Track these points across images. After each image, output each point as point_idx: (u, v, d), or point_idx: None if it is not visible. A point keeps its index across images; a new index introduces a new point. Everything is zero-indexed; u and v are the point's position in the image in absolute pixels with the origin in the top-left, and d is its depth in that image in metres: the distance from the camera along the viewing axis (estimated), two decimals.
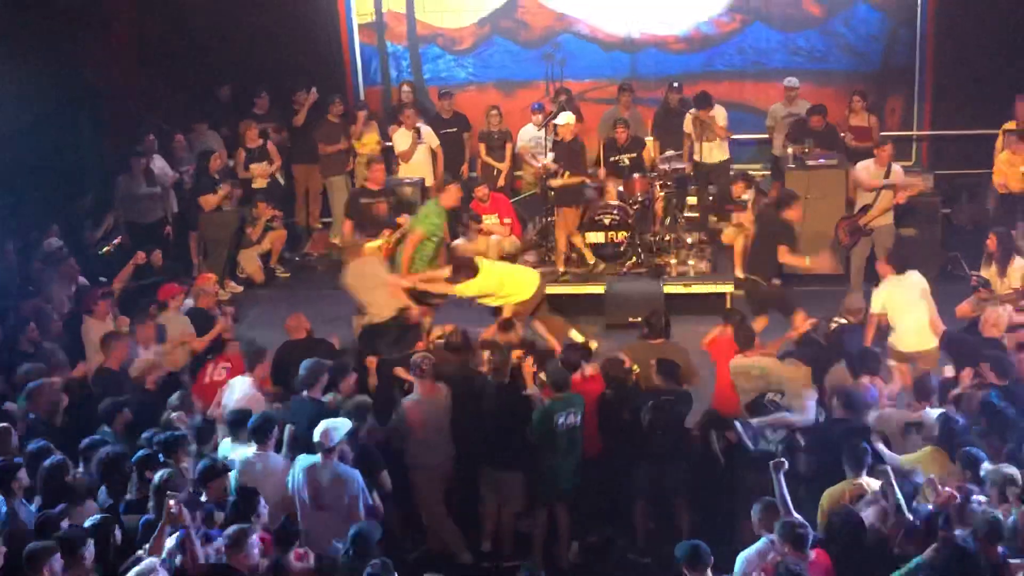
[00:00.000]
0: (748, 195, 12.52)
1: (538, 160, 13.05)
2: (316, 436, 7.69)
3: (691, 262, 12.62)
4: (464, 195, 12.02)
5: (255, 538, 6.78)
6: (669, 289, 12.15)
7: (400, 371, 9.32)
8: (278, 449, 8.16)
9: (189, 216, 13.56)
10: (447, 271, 10.69)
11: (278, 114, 14.55)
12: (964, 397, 8.42)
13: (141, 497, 7.50)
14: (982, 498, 7.05)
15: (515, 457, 8.72)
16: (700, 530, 8.32)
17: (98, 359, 9.75)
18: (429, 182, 13.81)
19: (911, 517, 6.92)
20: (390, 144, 14.22)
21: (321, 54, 15.20)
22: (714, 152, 13.60)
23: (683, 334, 10.16)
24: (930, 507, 6.96)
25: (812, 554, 6.76)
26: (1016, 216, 11.86)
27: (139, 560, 6.69)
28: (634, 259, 12.59)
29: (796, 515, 7.08)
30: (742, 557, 6.95)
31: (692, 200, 13.88)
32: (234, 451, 8.10)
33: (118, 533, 7.05)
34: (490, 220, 12.76)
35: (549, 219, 12.76)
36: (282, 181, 14.40)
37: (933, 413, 8.28)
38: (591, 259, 12.55)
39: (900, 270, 10.06)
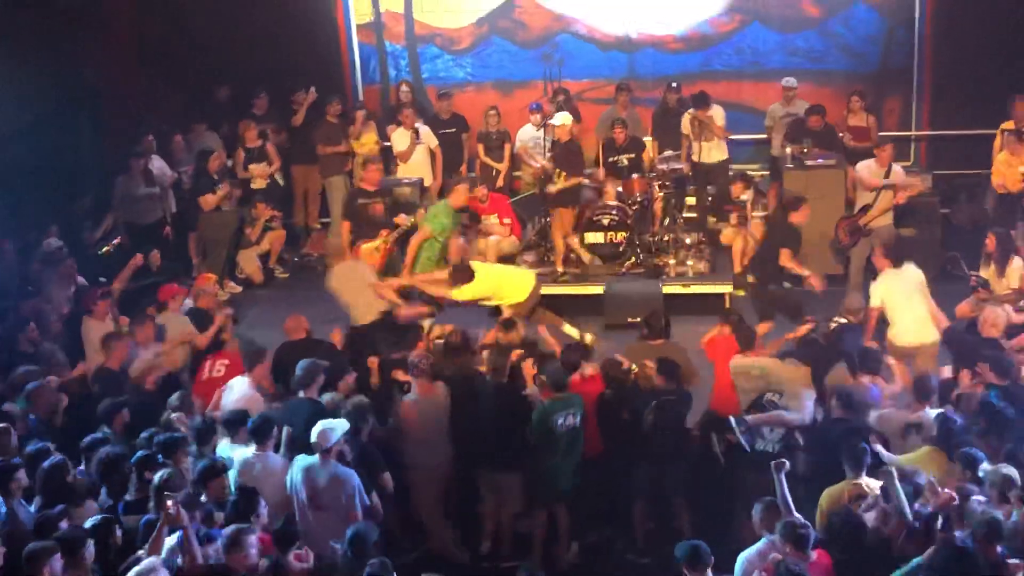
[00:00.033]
0: (747, 195, 12.56)
1: (537, 160, 13.06)
2: (313, 437, 7.69)
3: (690, 262, 12.62)
4: None
5: (253, 538, 6.77)
6: (668, 289, 12.15)
7: (398, 373, 9.32)
8: (276, 449, 8.16)
9: (188, 216, 13.56)
10: (445, 274, 10.69)
11: (277, 114, 14.55)
12: (964, 397, 8.43)
13: (140, 498, 7.50)
14: (981, 498, 7.06)
15: (514, 458, 8.73)
16: (700, 530, 8.33)
17: (98, 359, 9.76)
18: (428, 182, 13.83)
19: (912, 518, 6.92)
20: (388, 144, 14.22)
21: (319, 54, 15.21)
22: (712, 152, 13.60)
23: (682, 334, 10.16)
24: (929, 508, 6.96)
25: (813, 554, 6.77)
26: (1015, 216, 11.85)
27: (138, 560, 6.69)
28: (633, 259, 12.60)
29: (797, 515, 7.09)
30: (742, 557, 6.96)
31: (691, 200, 13.88)
32: (232, 451, 8.10)
33: (118, 533, 7.05)
34: (489, 220, 12.77)
35: (547, 220, 12.76)
36: (281, 181, 14.40)
37: (932, 413, 8.29)
38: (587, 257, 12.54)
39: (897, 263, 10.08)
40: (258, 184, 13.90)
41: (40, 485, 7.59)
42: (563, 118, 12.21)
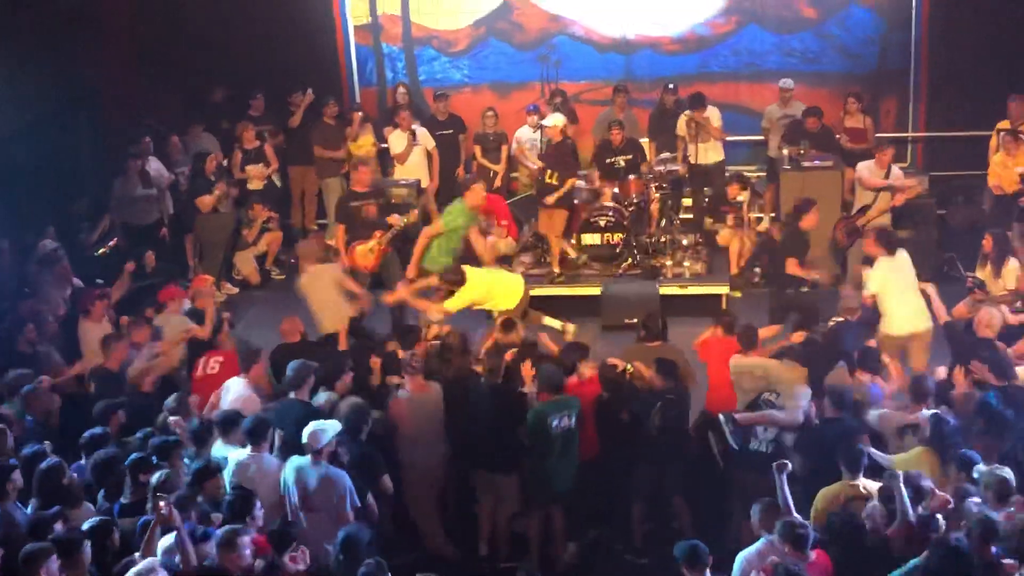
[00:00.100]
0: (743, 197, 12.59)
1: (533, 162, 13.07)
2: (304, 438, 7.68)
3: (687, 263, 12.64)
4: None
5: (247, 539, 6.76)
6: (665, 291, 12.18)
7: (393, 378, 9.28)
8: (272, 450, 8.16)
9: (185, 218, 13.56)
10: (435, 279, 10.68)
11: (273, 116, 14.55)
12: (961, 398, 8.44)
13: (136, 500, 7.49)
14: (977, 500, 7.06)
15: (510, 459, 8.72)
16: (698, 530, 8.34)
17: (95, 360, 9.77)
18: (425, 184, 13.85)
19: (914, 520, 6.92)
20: (385, 146, 14.23)
21: (317, 56, 15.22)
22: (709, 153, 13.62)
23: (679, 335, 10.16)
24: (922, 509, 6.97)
25: (812, 555, 6.77)
26: (1011, 217, 11.86)
27: (132, 563, 6.68)
28: (629, 261, 12.61)
29: (797, 516, 7.10)
30: (741, 557, 6.96)
31: (687, 202, 13.89)
32: (227, 452, 8.08)
33: (116, 535, 7.04)
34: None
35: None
36: (278, 183, 14.40)
37: (927, 414, 8.29)
38: (573, 254, 12.54)
39: (892, 250, 10.10)
40: (255, 185, 13.91)
41: (36, 487, 7.58)
42: (555, 119, 12.21)
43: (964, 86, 14.15)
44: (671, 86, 14.10)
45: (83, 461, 8.02)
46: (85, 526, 6.96)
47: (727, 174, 13.48)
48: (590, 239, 12.56)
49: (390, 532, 8.47)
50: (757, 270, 12.80)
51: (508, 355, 9.09)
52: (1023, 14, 13.75)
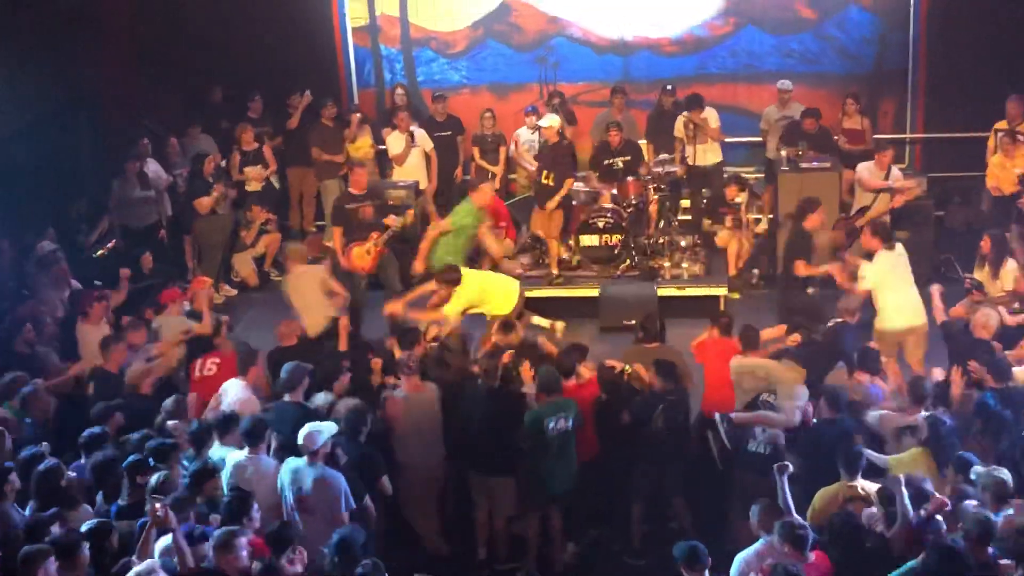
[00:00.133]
0: (741, 198, 12.60)
1: (532, 163, 13.08)
2: (300, 439, 7.68)
3: (685, 265, 12.64)
4: (458, 198, 12.04)
5: (244, 540, 6.76)
6: (663, 292, 12.19)
7: (389, 378, 9.28)
8: (268, 452, 8.16)
9: (183, 220, 13.55)
10: (429, 286, 10.69)
11: (272, 117, 14.56)
12: (959, 398, 8.45)
13: (133, 502, 7.50)
14: (975, 501, 7.07)
15: (506, 461, 8.72)
16: (697, 531, 8.35)
17: (94, 362, 9.76)
18: (423, 185, 13.84)
19: (914, 522, 6.93)
20: (384, 147, 14.23)
21: (315, 57, 15.22)
22: (707, 155, 13.64)
23: (677, 337, 10.16)
24: (923, 512, 6.98)
25: (811, 555, 6.78)
26: (1010, 218, 11.88)
27: (129, 565, 6.68)
28: (628, 262, 12.61)
29: (797, 516, 7.11)
30: (740, 558, 6.97)
31: (685, 203, 13.88)
32: (225, 454, 8.09)
33: (115, 537, 7.05)
34: None
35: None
36: (276, 184, 14.40)
37: (924, 415, 8.30)
38: (565, 255, 12.54)
39: (890, 244, 10.10)
40: (253, 187, 13.90)
41: (34, 489, 7.58)
42: (550, 120, 12.22)
43: (962, 87, 14.16)
44: (669, 87, 14.11)
45: (83, 460, 8.02)
46: (84, 528, 6.96)
47: (725, 175, 13.49)
48: (588, 240, 12.55)
49: (389, 533, 8.47)
50: (755, 271, 12.81)
51: (506, 356, 9.09)
52: (1021, 15, 13.78)
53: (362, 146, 14.19)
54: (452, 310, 10.21)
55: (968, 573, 6.40)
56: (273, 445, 8.20)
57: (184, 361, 10.18)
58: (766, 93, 14.45)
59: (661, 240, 12.81)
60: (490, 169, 14.26)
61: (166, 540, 6.80)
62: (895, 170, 12.43)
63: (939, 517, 6.91)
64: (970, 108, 13.92)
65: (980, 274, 10.46)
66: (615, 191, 12.89)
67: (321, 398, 8.80)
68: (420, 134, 13.97)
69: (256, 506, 7.24)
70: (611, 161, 13.39)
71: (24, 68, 12.08)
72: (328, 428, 7.78)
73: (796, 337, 9.59)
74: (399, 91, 14.62)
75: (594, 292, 12.32)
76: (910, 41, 14.70)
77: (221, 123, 14.48)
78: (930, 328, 9.94)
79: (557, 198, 12.01)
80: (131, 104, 14.34)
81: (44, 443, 8.14)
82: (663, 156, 13.45)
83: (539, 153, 12.76)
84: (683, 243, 12.90)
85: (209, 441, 8.22)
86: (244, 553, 6.72)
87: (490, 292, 10.48)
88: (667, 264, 12.59)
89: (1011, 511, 6.89)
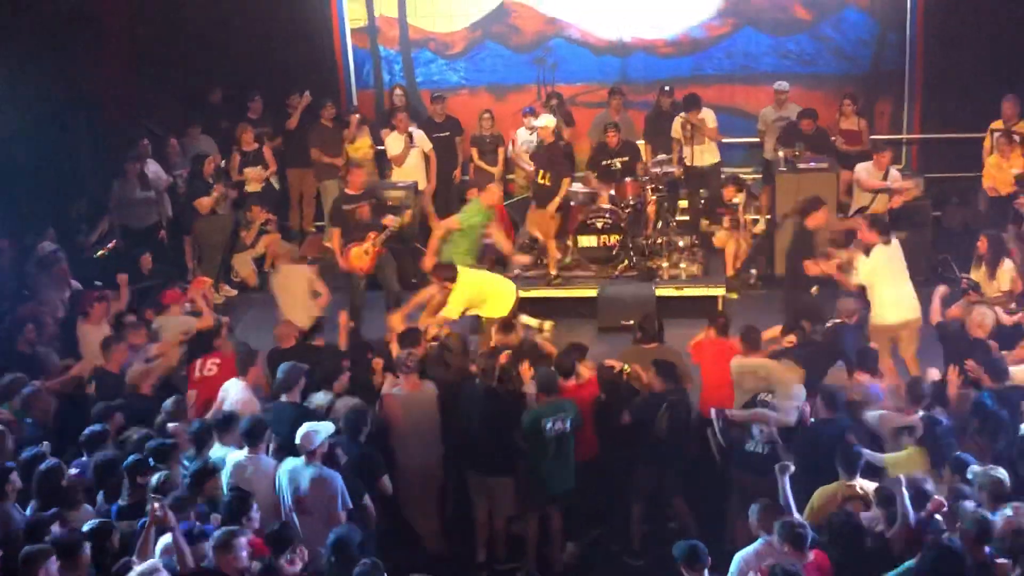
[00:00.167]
0: (739, 198, 12.62)
1: (530, 164, 13.10)
2: (297, 439, 7.70)
3: (683, 265, 12.64)
4: (457, 198, 12.07)
5: (244, 540, 6.78)
6: (661, 292, 12.19)
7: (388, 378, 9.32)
8: (267, 452, 8.19)
9: (183, 220, 13.56)
10: (423, 295, 10.72)
11: (271, 118, 14.58)
12: (956, 398, 8.48)
13: (134, 502, 7.51)
14: (972, 501, 7.10)
15: (504, 461, 8.75)
16: (697, 531, 8.38)
17: (95, 363, 9.78)
18: (422, 186, 13.86)
19: (914, 523, 6.96)
20: (383, 148, 14.25)
21: (314, 58, 15.23)
22: (704, 155, 13.67)
23: (675, 337, 10.19)
24: (922, 513, 7.02)
25: (811, 555, 6.81)
26: (1006, 218, 11.92)
27: (129, 565, 6.70)
28: (626, 263, 12.62)
29: (797, 516, 7.14)
30: (739, 557, 6.99)
31: (683, 204, 13.89)
32: (224, 454, 8.11)
33: (115, 537, 7.07)
34: None
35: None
36: (276, 185, 14.42)
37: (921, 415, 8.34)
38: (559, 255, 12.58)
39: (887, 237, 10.12)
40: (253, 187, 13.91)
41: (36, 489, 7.60)
42: (546, 120, 12.25)
43: (959, 88, 14.19)
44: (667, 88, 14.13)
45: (84, 458, 8.05)
46: (85, 528, 6.98)
47: (723, 176, 13.51)
48: (586, 241, 12.56)
49: (388, 533, 8.50)
50: (753, 272, 12.84)
51: (503, 356, 9.11)
52: (1017, 15, 13.81)
53: (361, 147, 14.21)
54: (452, 310, 10.24)
55: (965, 572, 6.43)
56: (272, 445, 8.23)
57: (185, 361, 10.20)
58: (763, 94, 14.48)
59: (659, 240, 12.82)
60: (489, 170, 14.26)
61: (166, 539, 6.83)
62: (893, 171, 12.49)
63: (938, 517, 6.95)
64: (967, 109, 13.95)
65: (977, 274, 10.49)
66: (613, 192, 12.89)
67: (320, 397, 8.82)
68: (419, 135, 13.99)
69: (255, 506, 7.25)
70: (609, 162, 13.40)
71: (24, 68, 12.08)
72: (325, 428, 7.80)
73: (792, 338, 9.62)
74: (398, 92, 14.64)
75: (592, 292, 12.33)
76: (907, 42, 14.71)
77: (221, 124, 14.50)
78: (925, 328, 9.97)
79: (557, 200, 12.04)
80: (131, 104, 14.36)
81: (45, 443, 8.16)
82: (661, 157, 13.46)
83: (534, 153, 12.79)
84: (681, 243, 12.90)
85: (210, 441, 8.25)
86: (244, 553, 6.73)
87: (488, 293, 10.51)
88: (665, 264, 12.60)
89: (1010, 512, 6.89)
